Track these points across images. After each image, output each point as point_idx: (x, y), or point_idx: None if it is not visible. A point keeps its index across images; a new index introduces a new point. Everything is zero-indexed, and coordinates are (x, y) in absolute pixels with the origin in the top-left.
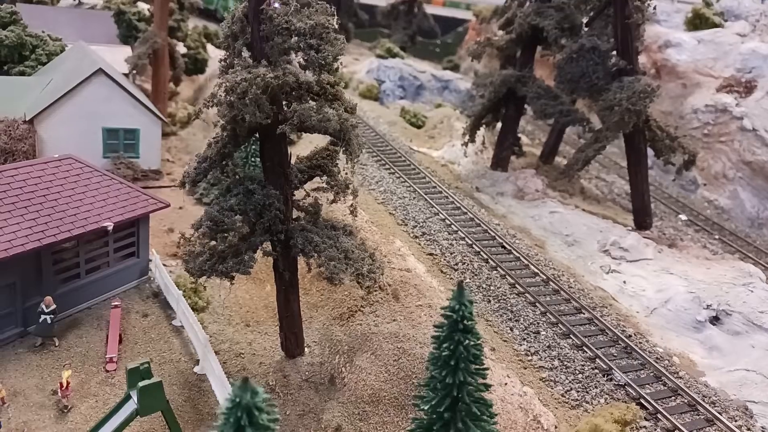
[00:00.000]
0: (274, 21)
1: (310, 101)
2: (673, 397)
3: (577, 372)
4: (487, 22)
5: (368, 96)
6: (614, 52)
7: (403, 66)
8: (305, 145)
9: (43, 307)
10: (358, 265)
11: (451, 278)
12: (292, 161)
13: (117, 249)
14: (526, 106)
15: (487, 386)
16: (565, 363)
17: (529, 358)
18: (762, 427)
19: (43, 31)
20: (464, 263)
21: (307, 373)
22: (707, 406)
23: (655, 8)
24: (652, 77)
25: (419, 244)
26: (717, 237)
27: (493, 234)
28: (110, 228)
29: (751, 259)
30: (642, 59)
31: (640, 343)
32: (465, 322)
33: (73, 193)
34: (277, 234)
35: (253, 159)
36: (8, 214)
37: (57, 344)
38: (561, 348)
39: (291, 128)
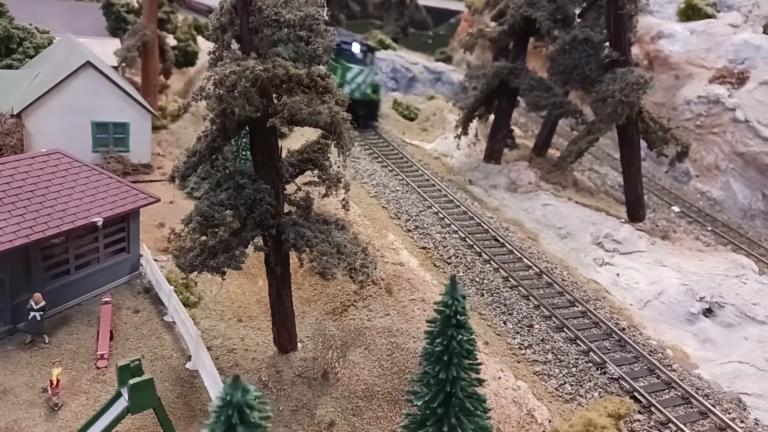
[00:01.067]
0: (263, 12)
1: (301, 94)
2: (666, 390)
3: (571, 365)
4: (479, 14)
5: None
6: (607, 44)
7: (395, 58)
8: (296, 139)
9: (32, 303)
10: (350, 260)
11: (444, 272)
12: (283, 155)
13: (107, 244)
14: (518, 98)
15: (481, 381)
16: (559, 356)
17: (523, 351)
18: (755, 419)
19: (30, 24)
20: (457, 257)
21: (300, 368)
22: (701, 398)
23: None
24: (644, 68)
25: (412, 238)
26: (710, 228)
27: (486, 227)
28: (100, 223)
29: (743, 250)
30: (635, 50)
31: (634, 335)
32: (458, 317)
33: (62, 188)
34: (268, 229)
35: (243, 153)
36: None
37: (47, 341)
38: (554, 341)
39: (281, 121)
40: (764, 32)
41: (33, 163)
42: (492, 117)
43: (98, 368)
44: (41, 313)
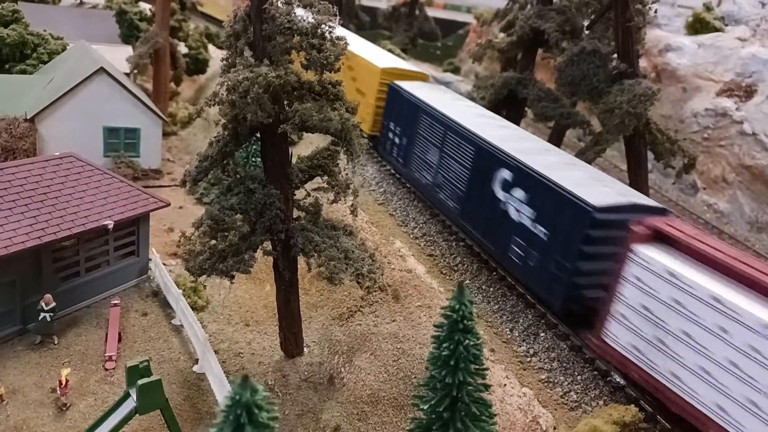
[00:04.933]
0: (276, 21)
1: (312, 101)
2: None
3: (577, 373)
4: (488, 25)
5: None
6: (615, 55)
7: None
8: (306, 146)
9: (43, 305)
10: (358, 265)
11: (451, 279)
12: (293, 161)
13: (117, 248)
14: (526, 108)
15: (487, 386)
16: (565, 364)
17: (529, 359)
18: None
19: (44, 30)
20: (464, 264)
21: (306, 372)
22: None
23: (656, 12)
24: (652, 81)
25: (419, 245)
26: None
27: None
28: (110, 226)
29: None
30: (642, 63)
31: None
32: (465, 321)
33: (74, 191)
34: (277, 233)
35: (254, 158)
36: (9, 211)
37: (56, 342)
38: (560, 349)
39: (292, 128)
40: None
41: (46, 167)
42: None
43: (106, 369)
44: (51, 314)
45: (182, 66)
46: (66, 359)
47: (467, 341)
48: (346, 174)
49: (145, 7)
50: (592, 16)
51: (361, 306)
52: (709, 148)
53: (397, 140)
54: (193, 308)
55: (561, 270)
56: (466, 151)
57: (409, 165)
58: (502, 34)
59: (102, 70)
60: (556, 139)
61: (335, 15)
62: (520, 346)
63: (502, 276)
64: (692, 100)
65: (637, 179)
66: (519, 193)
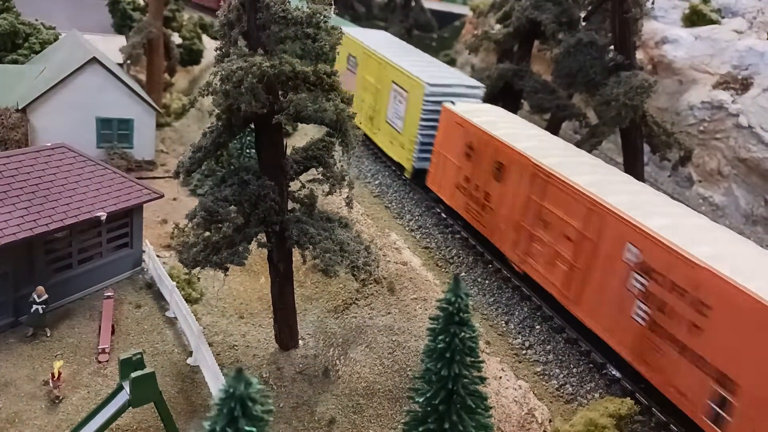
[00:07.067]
0: (270, 9)
1: (306, 91)
2: None
3: (572, 366)
4: (484, 16)
5: None
6: (612, 47)
7: None
8: (301, 137)
9: (35, 297)
10: (353, 258)
11: (446, 272)
12: (288, 152)
13: (110, 239)
14: (522, 100)
15: (483, 379)
16: (560, 357)
17: (524, 351)
18: None
19: (36, 19)
20: (459, 257)
21: (301, 365)
22: None
23: (653, 3)
24: (648, 73)
25: (415, 238)
26: None
27: None
28: (103, 218)
29: None
30: (638, 55)
31: None
32: (461, 314)
33: (66, 182)
34: (272, 225)
35: (248, 149)
36: (0, 202)
37: (49, 334)
38: (556, 342)
39: (287, 118)
40: None
41: (38, 157)
42: None
43: (99, 362)
44: (44, 306)
45: (176, 56)
46: (59, 352)
47: (463, 334)
48: (342, 165)
49: None
50: (589, 8)
51: (356, 298)
52: (705, 140)
53: None
54: (187, 300)
55: None
56: None
57: None
58: (498, 26)
59: (95, 60)
60: (552, 131)
61: (330, 4)
62: (516, 339)
63: (497, 269)
64: (688, 92)
65: (632, 172)
66: None
